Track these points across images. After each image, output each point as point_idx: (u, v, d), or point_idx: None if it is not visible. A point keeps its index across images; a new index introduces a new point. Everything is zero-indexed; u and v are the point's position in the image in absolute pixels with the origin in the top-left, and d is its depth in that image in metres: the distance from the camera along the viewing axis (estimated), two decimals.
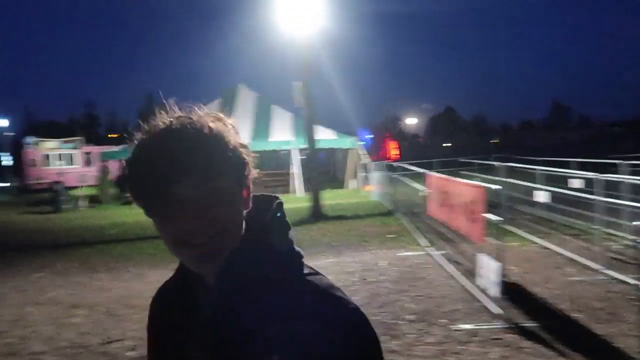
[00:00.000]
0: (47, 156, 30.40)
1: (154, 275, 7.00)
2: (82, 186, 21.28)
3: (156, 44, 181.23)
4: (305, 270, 0.84)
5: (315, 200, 12.17)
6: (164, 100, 0.82)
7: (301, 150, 17.84)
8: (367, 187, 17.99)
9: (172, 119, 0.77)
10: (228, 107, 20.17)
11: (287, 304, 0.77)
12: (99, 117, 74.15)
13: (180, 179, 0.71)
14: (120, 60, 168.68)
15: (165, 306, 0.92)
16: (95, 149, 31.97)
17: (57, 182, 30.37)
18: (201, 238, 0.74)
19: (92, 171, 31.18)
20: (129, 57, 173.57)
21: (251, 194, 0.83)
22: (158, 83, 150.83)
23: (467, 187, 6.14)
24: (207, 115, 0.79)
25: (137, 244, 9.68)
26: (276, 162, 19.26)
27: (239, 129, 0.83)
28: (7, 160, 31.07)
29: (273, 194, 0.90)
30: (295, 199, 16.91)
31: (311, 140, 12.28)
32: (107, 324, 5.14)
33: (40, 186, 29.96)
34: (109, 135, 57.34)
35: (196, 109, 0.80)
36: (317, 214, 11.89)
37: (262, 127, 18.66)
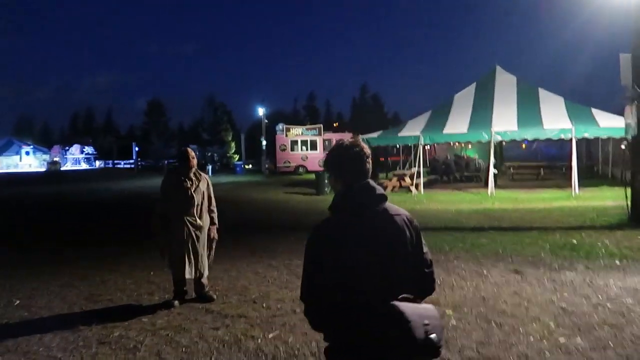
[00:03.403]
0: (294, 142, 33.24)
1: (526, 275, 6.07)
2: None
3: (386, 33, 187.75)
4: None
5: (636, 199, 9.81)
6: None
7: (578, 140, 15.29)
8: None
9: (355, 139, 2.06)
10: (485, 91, 18.69)
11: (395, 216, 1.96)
12: (318, 108, 79.99)
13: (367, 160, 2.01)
14: (339, 51, 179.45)
15: (335, 234, 1.88)
16: (334, 136, 33.77)
17: (301, 166, 33.29)
18: None
19: None
20: (347, 46, 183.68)
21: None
22: (370, 74, 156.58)
23: None
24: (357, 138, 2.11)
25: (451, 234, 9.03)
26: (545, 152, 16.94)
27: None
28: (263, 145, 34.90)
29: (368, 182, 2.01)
30: (581, 196, 14.53)
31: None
32: (481, 334, 4.29)
33: (287, 169, 33.08)
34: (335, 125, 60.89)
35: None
36: (636, 217, 9.58)
37: (529, 112, 16.61)
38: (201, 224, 5.36)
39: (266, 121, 36.83)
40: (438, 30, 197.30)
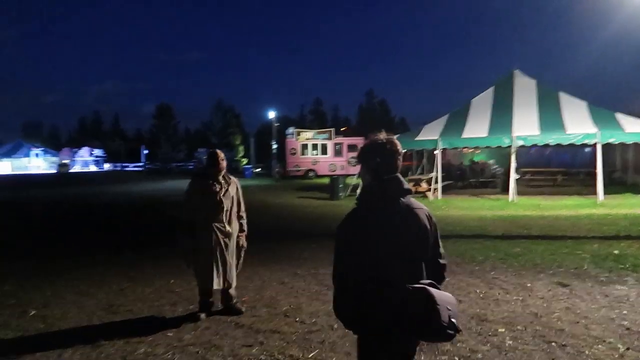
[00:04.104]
0: (304, 146, 32.87)
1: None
2: (352, 176, 21.70)
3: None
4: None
5: None
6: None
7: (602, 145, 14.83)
8: None
9: (389, 136, 2.20)
10: (504, 95, 18.25)
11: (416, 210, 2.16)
12: (325, 112, 79.47)
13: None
14: (344, 57, 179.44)
15: (366, 220, 2.07)
16: (345, 141, 33.41)
17: (311, 170, 32.91)
18: None
19: (342, 161, 32.75)
20: (353, 52, 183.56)
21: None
22: (380, 78, 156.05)
23: None
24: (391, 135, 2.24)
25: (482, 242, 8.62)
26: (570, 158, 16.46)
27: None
28: (274, 148, 34.55)
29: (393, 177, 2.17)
30: (607, 204, 14.04)
31: None
32: (544, 356, 3.88)
33: (297, 173, 32.70)
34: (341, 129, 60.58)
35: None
36: None
37: (551, 117, 16.15)
38: (230, 230, 5.00)
39: (277, 124, 36.53)
40: (444, 37, 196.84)
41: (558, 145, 15.97)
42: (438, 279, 2.17)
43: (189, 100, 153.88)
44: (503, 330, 4.45)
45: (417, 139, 17.54)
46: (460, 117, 17.95)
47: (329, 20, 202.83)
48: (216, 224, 4.90)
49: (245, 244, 5.22)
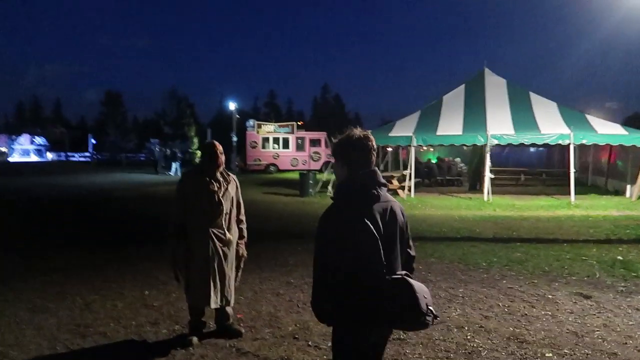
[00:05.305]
0: (266, 139, 31.84)
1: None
2: (325, 171, 21.00)
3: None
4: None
5: None
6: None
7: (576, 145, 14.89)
8: None
9: (364, 131, 2.22)
10: (476, 93, 18.09)
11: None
12: (279, 106, 78.07)
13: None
14: (301, 51, 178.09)
15: (347, 215, 2.06)
16: (307, 135, 32.69)
17: (272, 165, 31.96)
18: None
19: (304, 156, 32.00)
20: (310, 47, 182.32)
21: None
22: (335, 73, 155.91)
23: None
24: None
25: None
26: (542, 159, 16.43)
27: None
28: (234, 142, 33.32)
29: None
30: (580, 205, 14.05)
31: None
32: None
33: (258, 167, 31.59)
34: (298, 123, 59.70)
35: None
36: None
37: (523, 116, 16.09)
38: (230, 237, 4.18)
39: (238, 116, 35.24)
40: (400, 33, 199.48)
41: (522, 144, 16.02)
42: (409, 269, 2.26)
43: (136, 89, 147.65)
44: (550, 354, 3.90)
45: (390, 134, 17.06)
46: (433, 114, 17.62)
47: (285, 13, 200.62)
48: (214, 230, 4.07)
49: (245, 254, 4.41)
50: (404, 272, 2.15)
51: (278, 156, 31.87)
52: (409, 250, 2.29)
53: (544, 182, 22.42)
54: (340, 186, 2.19)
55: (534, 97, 17.47)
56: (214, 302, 4.07)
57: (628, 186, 16.62)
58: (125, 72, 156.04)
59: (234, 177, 4.40)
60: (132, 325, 4.60)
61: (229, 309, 4.32)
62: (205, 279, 4.04)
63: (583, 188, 18.50)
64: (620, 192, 17.22)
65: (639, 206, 13.91)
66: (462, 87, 18.95)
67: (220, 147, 4.19)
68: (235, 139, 33.42)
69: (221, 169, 4.19)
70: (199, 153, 50.25)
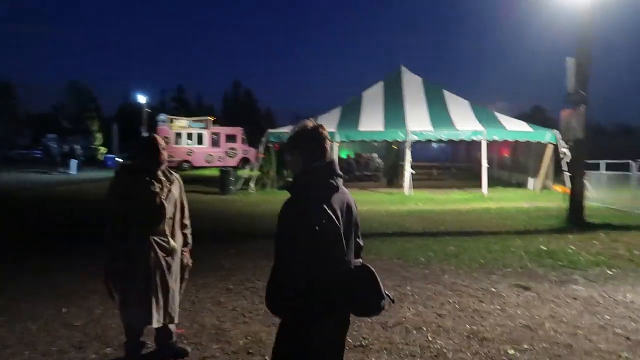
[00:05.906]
0: (179, 134, 30.38)
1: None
2: (247, 168, 20.33)
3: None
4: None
5: (577, 201, 9.92)
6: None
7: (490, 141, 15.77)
8: (562, 188, 15.67)
9: (316, 123, 2.23)
10: (394, 91, 18.54)
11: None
12: (188, 101, 75.03)
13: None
14: (211, 45, 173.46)
15: (307, 207, 2.01)
16: (223, 130, 31.70)
17: (186, 161, 30.57)
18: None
19: (219, 152, 30.98)
20: (223, 42, 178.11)
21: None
22: (246, 69, 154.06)
23: None
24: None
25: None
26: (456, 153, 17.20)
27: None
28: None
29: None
30: (492, 197, 14.86)
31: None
32: None
33: (170, 164, 29.99)
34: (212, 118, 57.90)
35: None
36: (578, 221, 9.72)
37: (439, 113, 16.76)
38: (175, 245, 3.68)
39: (149, 110, 33.24)
40: (316, 32, 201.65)
41: (440, 140, 16.75)
42: (359, 257, 2.30)
43: (32, 79, 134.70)
44: (513, 351, 3.88)
45: None
46: (353, 110, 17.78)
47: (194, 7, 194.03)
48: (155, 238, 3.55)
49: (190, 262, 3.93)
50: (360, 260, 2.25)
51: (192, 152, 30.59)
52: (358, 240, 2.31)
53: (455, 176, 23.67)
54: (299, 177, 2.16)
55: (448, 95, 18.28)
56: (157, 321, 3.55)
57: (530, 179, 17.98)
58: (18, 61, 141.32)
59: (177, 176, 3.91)
60: (52, 351, 3.92)
61: (172, 327, 3.81)
62: (146, 296, 3.51)
63: (490, 181, 19.73)
64: (522, 185, 18.57)
65: (543, 197, 15.05)
66: (381, 84, 19.35)
67: (162, 142, 3.68)
68: (145, 134, 31.49)
69: (163, 167, 3.68)
70: (102, 149, 46.95)
